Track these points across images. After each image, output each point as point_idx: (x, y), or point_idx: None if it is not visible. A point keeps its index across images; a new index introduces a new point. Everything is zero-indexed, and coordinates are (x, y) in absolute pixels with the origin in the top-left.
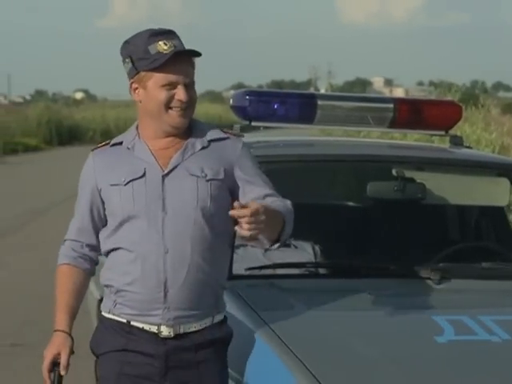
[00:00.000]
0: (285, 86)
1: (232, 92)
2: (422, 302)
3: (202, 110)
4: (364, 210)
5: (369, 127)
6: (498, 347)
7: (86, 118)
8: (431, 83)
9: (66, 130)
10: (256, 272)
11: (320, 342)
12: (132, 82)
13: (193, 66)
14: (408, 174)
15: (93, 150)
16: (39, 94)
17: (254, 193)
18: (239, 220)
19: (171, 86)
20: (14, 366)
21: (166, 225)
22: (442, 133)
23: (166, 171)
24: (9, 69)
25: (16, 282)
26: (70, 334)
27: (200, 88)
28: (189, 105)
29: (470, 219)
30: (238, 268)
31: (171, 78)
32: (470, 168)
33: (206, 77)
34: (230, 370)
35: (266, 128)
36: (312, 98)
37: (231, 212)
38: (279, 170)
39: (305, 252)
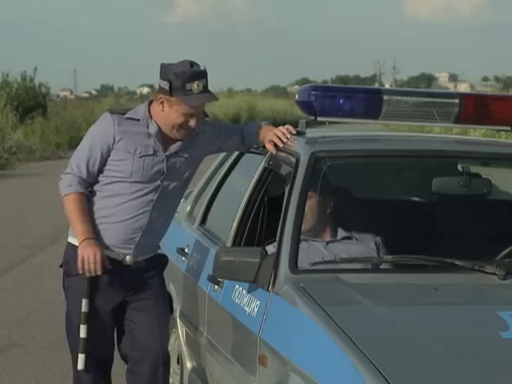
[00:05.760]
0: (349, 81)
1: (297, 87)
2: (487, 298)
3: (268, 105)
4: (429, 205)
5: (434, 122)
6: None
7: None
8: (496, 78)
9: None
10: (320, 266)
11: (386, 338)
12: (161, 96)
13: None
14: (473, 169)
15: (112, 113)
16: (105, 89)
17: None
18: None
19: (189, 115)
20: None
21: (161, 191)
22: (508, 128)
23: (167, 153)
24: (75, 64)
25: None
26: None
27: (265, 83)
28: (195, 130)
29: None
30: (303, 262)
31: (191, 111)
32: None
33: (271, 72)
34: (296, 365)
35: (330, 123)
36: (378, 93)
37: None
38: (344, 165)
39: (368, 247)
